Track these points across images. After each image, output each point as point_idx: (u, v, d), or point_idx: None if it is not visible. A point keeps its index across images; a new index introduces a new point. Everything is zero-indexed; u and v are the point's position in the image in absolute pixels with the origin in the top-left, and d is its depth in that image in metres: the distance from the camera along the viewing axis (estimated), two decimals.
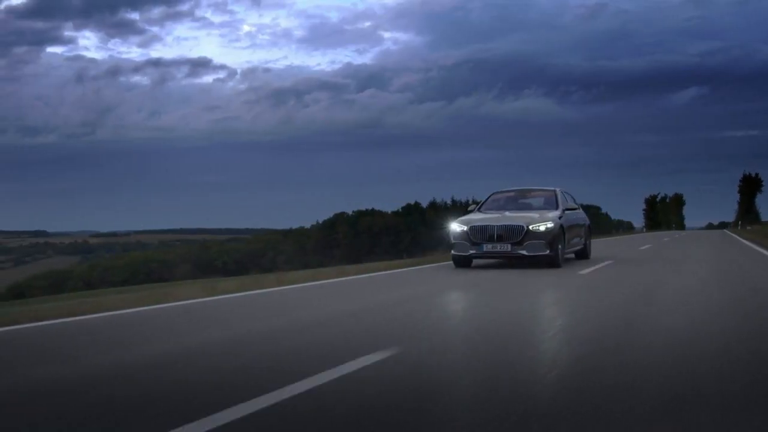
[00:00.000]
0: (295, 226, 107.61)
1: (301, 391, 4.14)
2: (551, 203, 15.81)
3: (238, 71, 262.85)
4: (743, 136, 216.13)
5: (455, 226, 14.81)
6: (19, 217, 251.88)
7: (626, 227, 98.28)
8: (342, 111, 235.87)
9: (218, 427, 3.52)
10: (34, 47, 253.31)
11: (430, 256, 21.18)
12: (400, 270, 15.56)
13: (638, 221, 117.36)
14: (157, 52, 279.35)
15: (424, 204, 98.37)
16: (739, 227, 74.61)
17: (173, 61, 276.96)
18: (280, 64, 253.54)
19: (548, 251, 14.00)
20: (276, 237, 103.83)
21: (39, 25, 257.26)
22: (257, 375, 4.80)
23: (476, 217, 15.12)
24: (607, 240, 40.39)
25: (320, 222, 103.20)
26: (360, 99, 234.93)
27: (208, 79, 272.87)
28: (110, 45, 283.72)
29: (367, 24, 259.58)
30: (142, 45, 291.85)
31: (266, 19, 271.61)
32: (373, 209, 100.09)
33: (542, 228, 14.10)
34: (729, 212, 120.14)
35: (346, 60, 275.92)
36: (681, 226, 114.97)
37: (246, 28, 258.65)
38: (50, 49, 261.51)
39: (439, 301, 9.43)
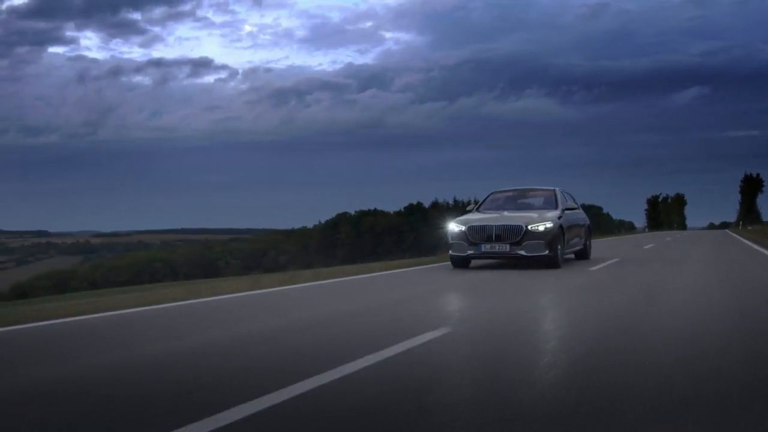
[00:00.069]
0: (296, 226, 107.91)
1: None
2: (551, 203, 15.68)
3: (240, 71, 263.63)
4: (744, 136, 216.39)
5: (453, 226, 14.69)
6: (21, 217, 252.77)
7: (628, 227, 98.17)
8: (343, 111, 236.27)
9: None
10: (36, 47, 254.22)
11: (433, 256, 21.18)
12: (421, 267, 15.83)
13: (639, 221, 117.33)
14: (158, 52, 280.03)
15: (427, 204, 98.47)
16: (740, 227, 74.56)
17: (175, 61, 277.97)
18: (282, 64, 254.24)
19: (547, 251, 13.86)
20: (278, 237, 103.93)
21: (41, 25, 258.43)
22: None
23: (474, 217, 14.99)
24: (611, 240, 40.58)
25: (323, 222, 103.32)
26: (361, 99, 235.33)
27: (209, 79, 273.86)
28: (112, 45, 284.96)
29: (369, 24, 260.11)
30: (144, 45, 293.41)
31: (268, 19, 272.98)
32: (375, 209, 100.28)
33: (541, 228, 13.96)
34: (730, 212, 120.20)
35: (348, 60, 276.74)
36: (682, 226, 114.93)
37: (247, 28, 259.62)
38: (52, 50, 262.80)
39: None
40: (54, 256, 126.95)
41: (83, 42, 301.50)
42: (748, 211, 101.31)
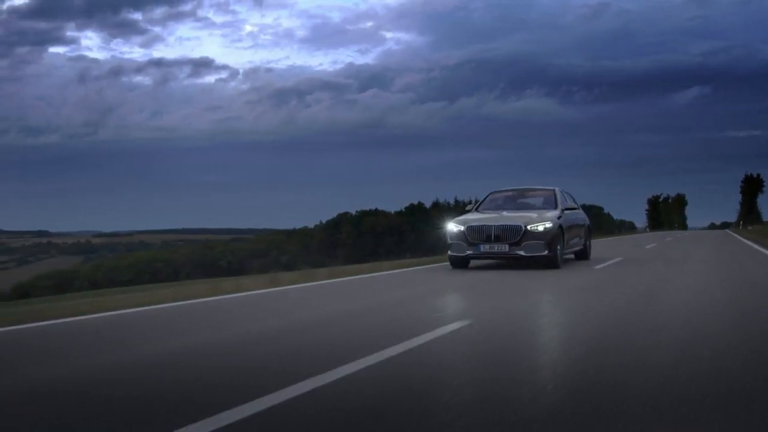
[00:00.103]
0: (296, 226, 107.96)
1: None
2: (550, 203, 15.59)
3: (240, 71, 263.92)
4: (745, 136, 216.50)
5: (452, 226, 14.60)
6: (21, 217, 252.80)
7: (628, 227, 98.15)
8: (344, 111, 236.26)
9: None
10: (37, 47, 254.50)
11: (435, 255, 21.20)
12: (424, 267, 15.93)
13: (640, 221, 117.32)
14: (159, 52, 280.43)
15: (428, 204, 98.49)
16: (740, 227, 74.61)
17: (175, 61, 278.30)
18: (282, 64, 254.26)
19: (546, 252, 13.76)
20: (279, 237, 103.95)
21: (41, 25, 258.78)
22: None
23: (473, 217, 14.90)
24: (612, 240, 40.64)
25: (324, 222, 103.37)
26: (362, 99, 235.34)
27: (210, 79, 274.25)
28: (112, 45, 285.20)
29: (369, 24, 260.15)
30: (145, 45, 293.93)
31: (268, 20, 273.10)
32: (376, 209, 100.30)
33: (540, 228, 13.87)
34: (731, 212, 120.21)
35: (348, 60, 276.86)
36: (683, 226, 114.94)
37: (248, 28, 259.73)
38: (53, 50, 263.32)
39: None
40: (55, 256, 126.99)
41: (84, 42, 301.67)
42: (749, 212, 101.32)
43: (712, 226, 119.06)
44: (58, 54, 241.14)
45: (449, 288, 11.04)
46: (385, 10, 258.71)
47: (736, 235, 43.20)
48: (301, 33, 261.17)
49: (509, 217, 14.53)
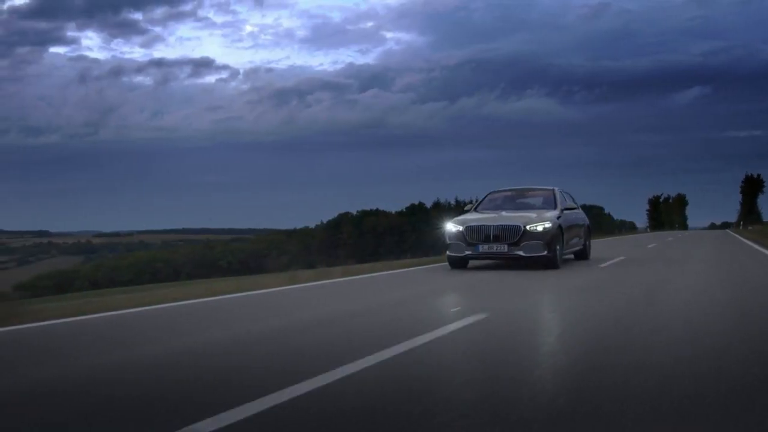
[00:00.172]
0: (297, 226, 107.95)
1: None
2: (549, 203, 15.50)
3: (241, 71, 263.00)
4: (746, 136, 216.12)
5: (451, 226, 14.50)
6: (22, 217, 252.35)
7: (629, 227, 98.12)
8: (344, 111, 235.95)
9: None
10: (37, 47, 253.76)
11: (435, 255, 21.23)
12: (428, 266, 15.99)
13: (640, 221, 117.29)
14: (159, 52, 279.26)
15: (428, 204, 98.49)
16: (740, 227, 74.72)
17: (176, 61, 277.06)
18: (283, 64, 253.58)
19: (546, 252, 13.67)
20: (280, 237, 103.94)
21: (42, 25, 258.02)
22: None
23: (472, 217, 14.82)
24: (614, 240, 40.76)
25: (325, 222, 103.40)
26: (362, 99, 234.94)
27: (210, 79, 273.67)
28: (113, 45, 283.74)
29: (370, 24, 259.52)
30: (145, 45, 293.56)
31: (269, 20, 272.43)
32: (377, 209, 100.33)
33: (540, 228, 13.78)
34: (731, 212, 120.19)
35: (349, 60, 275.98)
36: (684, 227, 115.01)
37: (248, 28, 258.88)
38: (53, 50, 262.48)
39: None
40: (55, 256, 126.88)
41: (84, 42, 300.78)
42: (749, 212, 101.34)
43: (713, 226, 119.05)
44: (58, 54, 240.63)
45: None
46: (385, 10, 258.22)
47: (736, 235, 43.35)
48: (301, 33, 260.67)
49: (508, 217, 14.44)
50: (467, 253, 14.15)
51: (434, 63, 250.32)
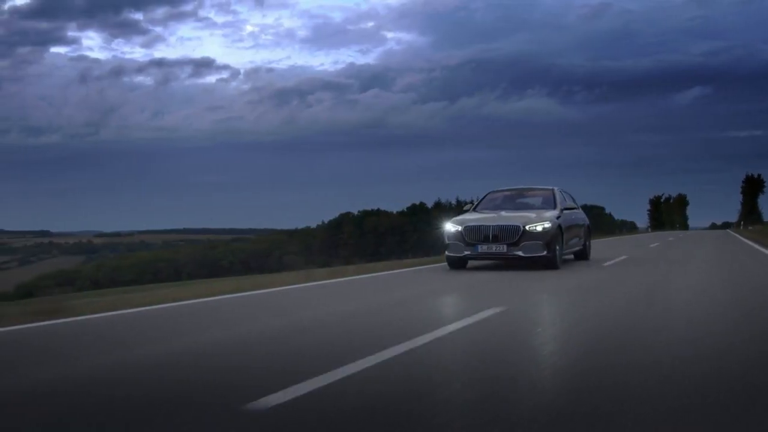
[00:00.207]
0: (297, 226, 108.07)
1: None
2: (549, 202, 15.36)
3: (242, 71, 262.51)
4: (746, 136, 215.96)
5: (449, 226, 14.37)
6: (22, 217, 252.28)
7: (629, 227, 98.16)
8: (345, 111, 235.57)
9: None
10: (38, 47, 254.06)
11: (434, 255, 21.27)
12: (432, 266, 16.01)
13: (641, 221, 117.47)
14: (160, 52, 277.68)
15: (429, 204, 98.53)
16: (741, 227, 74.85)
17: (176, 61, 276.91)
18: (284, 64, 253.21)
19: (545, 252, 13.54)
20: (281, 237, 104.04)
21: (43, 25, 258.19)
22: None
23: (471, 217, 14.71)
24: (616, 239, 40.84)
25: (326, 222, 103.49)
26: (363, 99, 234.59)
27: (211, 79, 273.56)
28: (114, 45, 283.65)
29: (370, 24, 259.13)
30: (146, 45, 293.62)
31: (269, 20, 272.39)
32: (378, 209, 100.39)
33: (539, 228, 13.65)
34: (732, 212, 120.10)
35: (349, 60, 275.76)
36: (684, 226, 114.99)
37: (249, 28, 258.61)
38: (54, 50, 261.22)
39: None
40: (56, 256, 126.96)
41: (85, 42, 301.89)
42: (750, 212, 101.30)
43: (713, 226, 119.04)
44: (59, 54, 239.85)
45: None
46: (386, 10, 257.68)
47: (736, 235, 43.58)
48: (302, 33, 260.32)
49: (507, 217, 14.32)
50: (466, 253, 14.03)
51: (435, 63, 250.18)
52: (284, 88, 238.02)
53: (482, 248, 13.81)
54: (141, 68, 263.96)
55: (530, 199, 16.27)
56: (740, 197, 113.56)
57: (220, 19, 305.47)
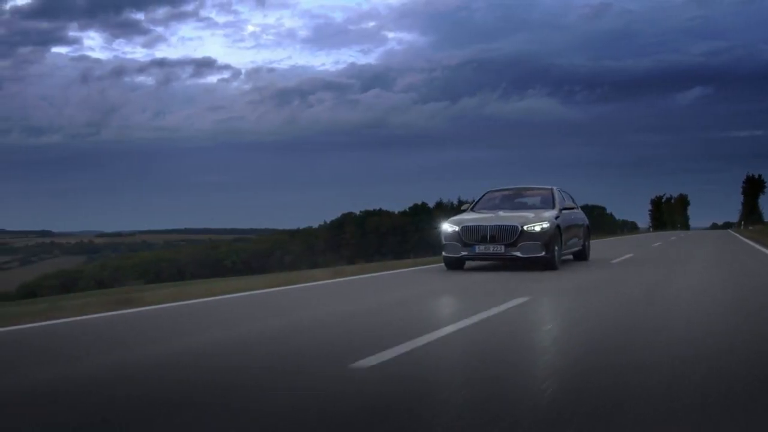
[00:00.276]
0: (298, 225, 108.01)
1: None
2: (548, 202, 15.20)
3: (243, 71, 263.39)
4: (747, 136, 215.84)
5: (447, 227, 14.20)
6: (24, 217, 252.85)
7: (630, 227, 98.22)
8: (346, 111, 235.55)
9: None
10: (39, 47, 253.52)
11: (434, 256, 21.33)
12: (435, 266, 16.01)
13: (641, 221, 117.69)
14: (161, 52, 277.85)
15: (431, 204, 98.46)
16: (741, 227, 75.02)
17: (178, 61, 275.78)
18: (285, 64, 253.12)
19: (544, 253, 13.36)
20: (283, 237, 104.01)
21: (44, 25, 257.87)
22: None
23: (469, 217, 14.57)
24: (618, 239, 40.99)
25: (328, 222, 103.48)
26: (364, 99, 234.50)
27: (212, 79, 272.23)
28: (115, 45, 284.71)
29: (372, 24, 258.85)
30: (147, 45, 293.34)
31: (270, 20, 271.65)
32: (380, 209, 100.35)
33: (537, 228, 13.49)
34: (733, 212, 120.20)
35: (351, 60, 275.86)
36: (686, 227, 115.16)
37: (250, 28, 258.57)
38: (55, 50, 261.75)
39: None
40: (58, 256, 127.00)
41: (86, 42, 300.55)
42: (751, 212, 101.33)
43: (714, 226, 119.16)
44: (60, 54, 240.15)
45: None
46: (387, 10, 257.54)
47: (737, 235, 43.98)
48: (303, 33, 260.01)
49: (505, 217, 14.13)
50: (463, 253, 13.87)
51: (436, 63, 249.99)
52: (285, 88, 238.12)
53: (480, 249, 13.65)
54: (142, 68, 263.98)
55: (529, 199, 16.13)
56: (741, 197, 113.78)
57: (221, 19, 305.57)
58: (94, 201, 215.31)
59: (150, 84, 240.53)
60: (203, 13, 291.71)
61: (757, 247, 23.98)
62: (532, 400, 4.04)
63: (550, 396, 4.13)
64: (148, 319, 7.94)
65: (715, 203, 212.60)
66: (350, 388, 4.33)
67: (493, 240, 13.54)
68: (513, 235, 13.45)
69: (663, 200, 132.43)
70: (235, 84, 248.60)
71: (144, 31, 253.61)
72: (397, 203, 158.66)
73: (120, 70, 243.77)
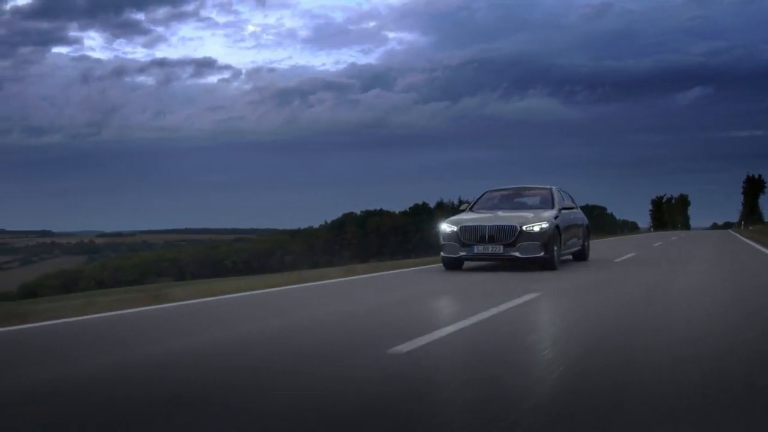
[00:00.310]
0: (298, 226, 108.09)
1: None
2: (547, 202, 15.12)
3: (243, 71, 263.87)
4: (747, 136, 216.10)
5: (445, 227, 14.12)
6: (24, 217, 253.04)
7: (631, 227, 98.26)
8: (346, 111, 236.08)
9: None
10: (40, 47, 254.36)
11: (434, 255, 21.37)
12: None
13: (642, 221, 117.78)
14: (162, 52, 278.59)
15: (432, 204, 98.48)
16: (742, 227, 75.15)
17: (178, 61, 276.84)
18: (285, 65, 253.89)
19: (543, 253, 13.29)
20: (284, 237, 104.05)
21: (44, 25, 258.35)
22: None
23: (467, 217, 14.49)
24: (619, 239, 41.09)
25: (329, 222, 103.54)
26: (365, 99, 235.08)
27: (212, 79, 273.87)
28: (115, 45, 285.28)
29: (372, 24, 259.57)
30: (147, 45, 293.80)
31: (271, 20, 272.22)
32: (381, 209, 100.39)
33: (536, 228, 13.40)
34: (733, 212, 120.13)
35: (351, 60, 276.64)
36: (686, 227, 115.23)
37: (251, 28, 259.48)
38: (55, 50, 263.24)
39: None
40: (58, 256, 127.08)
41: (87, 42, 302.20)
42: (751, 212, 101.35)
43: (715, 226, 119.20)
44: (61, 54, 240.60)
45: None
46: (387, 10, 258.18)
47: (737, 235, 44.18)
48: (303, 33, 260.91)
49: (504, 217, 14.05)
50: (462, 254, 13.79)
51: (436, 63, 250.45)
52: (286, 88, 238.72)
53: (478, 249, 13.55)
54: (142, 68, 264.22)
55: (528, 199, 16.05)
56: (741, 197, 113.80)
57: (221, 19, 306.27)
58: (94, 201, 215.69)
59: (150, 84, 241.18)
60: (204, 13, 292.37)
61: (757, 247, 24.06)
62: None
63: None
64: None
65: (715, 203, 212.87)
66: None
67: (492, 240, 13.45)
68: (512, 236, 13.37)
69: (663, 200, 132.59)
70: (235, 84, 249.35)
71: (144, 31, 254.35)
72: (397, 203, 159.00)
73: (120, 70, 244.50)
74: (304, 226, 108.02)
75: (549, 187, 15.92)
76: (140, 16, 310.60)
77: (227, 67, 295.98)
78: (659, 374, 4.56)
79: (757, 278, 12.22)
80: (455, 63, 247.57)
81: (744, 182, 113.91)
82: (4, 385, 4.63)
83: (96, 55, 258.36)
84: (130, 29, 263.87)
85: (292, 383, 4.41)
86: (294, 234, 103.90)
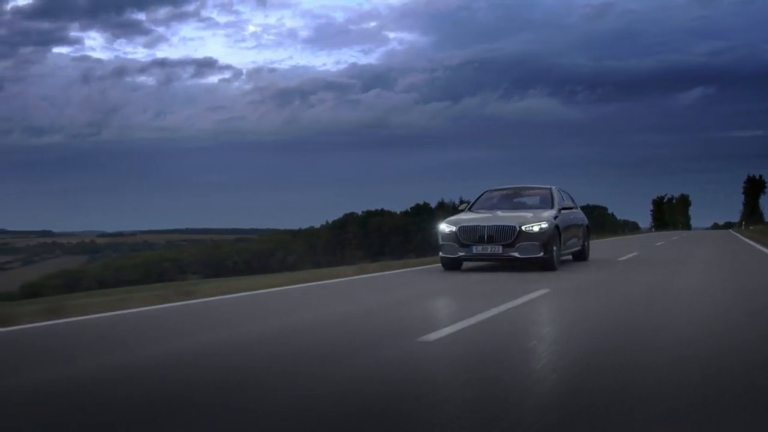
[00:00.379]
0: (299, 226, 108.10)
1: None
2: (546, 202, 15.03)
3: (244, 71, 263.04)
4: (748, 136, 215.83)
5: (444, 227, 14.03)
6: (25, 217, 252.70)
7: (632, 227, 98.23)
8: (347, 111, 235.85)
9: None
10: (40, 47, 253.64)
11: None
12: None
13: (642, 221, 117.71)
14: (162, 52, 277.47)
15: (433, 204, 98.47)
16: (742, 227, 75.23)
17: (179, 61, 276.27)
18: (286, 65, 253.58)
19: (542, 253, 13.20)
20: (285, 237, 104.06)
21: (45, 25, 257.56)
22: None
23: (466, 217, 14.38)
24: (620, 239, 41.19)
25: (330, 222, 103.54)
26: (365, 99, 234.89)
27: (213, 79, 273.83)
28: (116, 45, 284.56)
29: (373, 24, 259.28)
30: (148, 45, 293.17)
31: (272, 20, 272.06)
32: (382, 209, 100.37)
33: (536, 229, 13.29)
34: (734, 213, 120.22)
35: (352, 60, 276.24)
36: (687, 227, 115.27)
37: (251, 28, 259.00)
38: (56, 50, 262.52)
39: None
40: (59, 256, 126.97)
41: (87, 42, 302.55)
42: (752, 212, 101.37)
43: (716, 226, 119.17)
44: (61, 54, 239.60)
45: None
46: (388, 10, 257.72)
47: (737, 235, 44.40)
48: (304, 33, 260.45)
49: (503, 217, 13.96)
50: (460, 254, 13.69)
51: (437, 63, 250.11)
52: (286, 88, 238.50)
53: (477, 249, 13.47)
54: (143, 68, 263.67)
55: (527, 199, 15.96)
56: (742, 198, 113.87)
57: (222, 19, 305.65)
58: (95, 201, 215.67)
59: (151, 84, 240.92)
60: (204, 13, 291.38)
61: (758, 247, 24.10)
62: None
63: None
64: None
65: (716, 203, 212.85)
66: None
67: (491, 240, 13.37)
68: (511, 236, 13.28)
69: (664, 200, 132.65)
70: (236, 84, 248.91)
71: (145, 32, 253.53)
72: (398, 203, 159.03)
73: (121, 70, 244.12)
74: (305, 226, 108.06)
75: (549, 187, 15.83)
76: (141, 16, 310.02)
77: (228, 67, 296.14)
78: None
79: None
80: (456, 63, 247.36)
81: (745, 182, 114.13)
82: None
83: (97, 55, 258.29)
84: (131, 29, 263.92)
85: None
86: (295, 234, 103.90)
